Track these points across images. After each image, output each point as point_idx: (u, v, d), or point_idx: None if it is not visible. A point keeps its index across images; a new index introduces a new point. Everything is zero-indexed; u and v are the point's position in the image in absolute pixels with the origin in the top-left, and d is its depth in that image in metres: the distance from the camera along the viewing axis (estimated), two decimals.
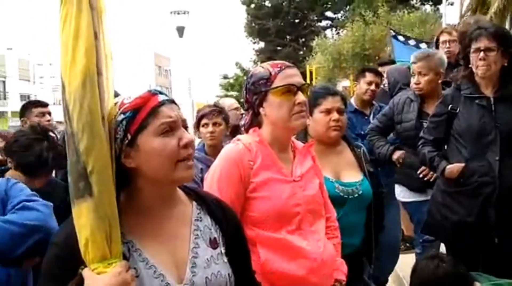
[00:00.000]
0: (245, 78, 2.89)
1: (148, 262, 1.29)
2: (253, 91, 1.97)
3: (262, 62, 3.40)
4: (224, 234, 1.44)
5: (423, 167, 3.54)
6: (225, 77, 33.22)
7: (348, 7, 25.16)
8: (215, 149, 3.31)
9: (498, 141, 2.90)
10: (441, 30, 5.19)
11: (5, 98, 41.91)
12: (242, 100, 2.36)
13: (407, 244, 5.00)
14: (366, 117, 4.44)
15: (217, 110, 3.63)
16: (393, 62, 6.40)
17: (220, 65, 78.02)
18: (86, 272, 1.21)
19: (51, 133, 2.73)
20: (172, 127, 1.30)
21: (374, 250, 2.68)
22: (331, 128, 2.52)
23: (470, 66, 3.01)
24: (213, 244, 1.40)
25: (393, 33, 8.65)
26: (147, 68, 51.85)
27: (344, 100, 2.63)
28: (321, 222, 2.05)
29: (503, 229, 2.88)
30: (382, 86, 4.74)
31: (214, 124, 3.55)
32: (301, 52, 27.90)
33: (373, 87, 4.44)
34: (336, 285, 2.05)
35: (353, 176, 2.56)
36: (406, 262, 4.08)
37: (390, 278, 4.44)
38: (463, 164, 2.97)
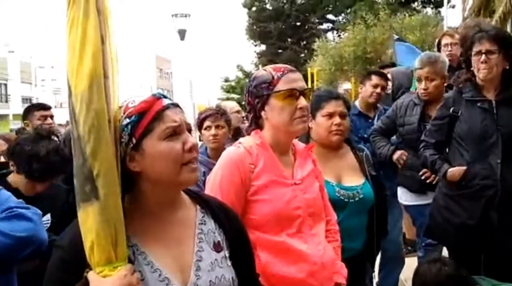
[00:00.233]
0: (246, 80, 2.88)
1: (153, 265, 1.30)
2: (255, 94, 1.97)
3: (264, 64, 3.39)
4: (228, 238, 1.44)
5: (424, 169, 3.54)
6: (227, 79, 33.13)
7: (349, 10, 25.15)
8: (218, 152, 3.24)
9: (499, 144, 2.90)
10: (443, 33, 5.19)
11: (6, 101, 41.91)
12: (243, 102, 2.36)
13: (409, 248, 5.00)
14: (370, 120, 4.42)
15: (220, 113, 3.61)
16: (394, 65, 6.39)
17: (222, 67, 77.88)
18: (91, 275, 1.22)
19: (54, 137, 2.66)
20: (176, 131, 1.31)
21: (376, 254, 2.67)
22: (332, 132, 2.53)
23: (471, 69, 3.02)
24: (217, 247, 1.41)
25: (396, 37, 8.63)
26: (148, 70, 51.83)
27: (347, 104, 2.63)
28: (321, 225, 2.05)
29: (505, 231, 2.88)
30: None
31: (217, 126, 3.53)
32: (302, 55, 27.84)
33: (378, 90, 4.42)
34: None
35: (354, 179, 2.56)
36: (408, 266, 4.07)
37: None
38: (465, 167, 2.97)
